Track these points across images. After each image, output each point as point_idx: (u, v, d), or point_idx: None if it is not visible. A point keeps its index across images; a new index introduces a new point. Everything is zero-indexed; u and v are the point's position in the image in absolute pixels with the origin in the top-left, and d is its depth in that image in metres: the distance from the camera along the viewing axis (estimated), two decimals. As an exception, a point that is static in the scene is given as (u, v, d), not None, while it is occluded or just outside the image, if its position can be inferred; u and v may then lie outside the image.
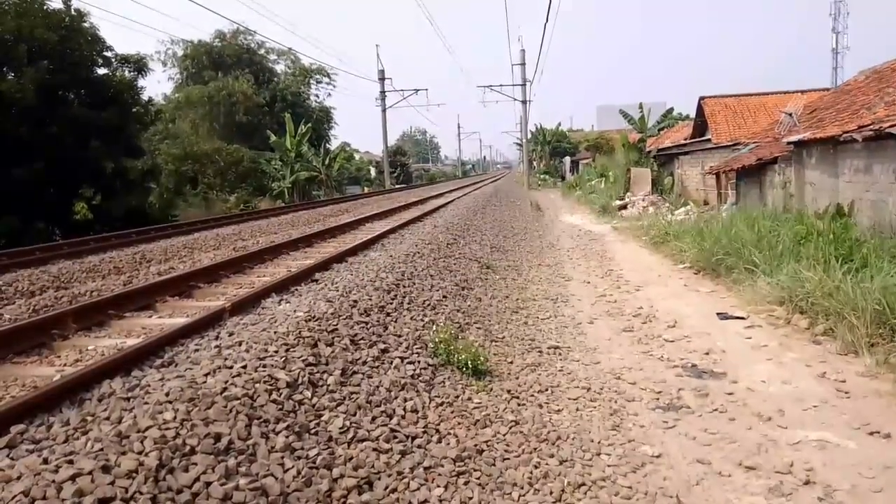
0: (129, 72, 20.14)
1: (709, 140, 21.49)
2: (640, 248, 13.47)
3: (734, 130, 21.11)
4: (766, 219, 10.62)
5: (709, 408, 4.83)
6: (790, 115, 15.45)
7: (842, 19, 59.02)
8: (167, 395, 3.37)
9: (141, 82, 20.32)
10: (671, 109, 34.03)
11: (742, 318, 7.26)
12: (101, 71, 19.39)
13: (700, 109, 23.87)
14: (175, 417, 3.11)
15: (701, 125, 24.06)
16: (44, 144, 16.39)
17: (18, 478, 2.57)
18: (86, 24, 18.58)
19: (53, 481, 2.53)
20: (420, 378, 4.70)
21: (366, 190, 46.28)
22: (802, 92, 21.60)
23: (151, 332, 5.22)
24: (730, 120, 22.17)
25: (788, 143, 12.52)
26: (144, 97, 20.74)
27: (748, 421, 4.57)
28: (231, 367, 3.83)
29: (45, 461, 2.70)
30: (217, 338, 4.75)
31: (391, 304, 6.19)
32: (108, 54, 19.54)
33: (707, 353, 6.12)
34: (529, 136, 53.69)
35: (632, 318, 7.68)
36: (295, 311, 5.35)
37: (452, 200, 22.00)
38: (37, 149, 16.25)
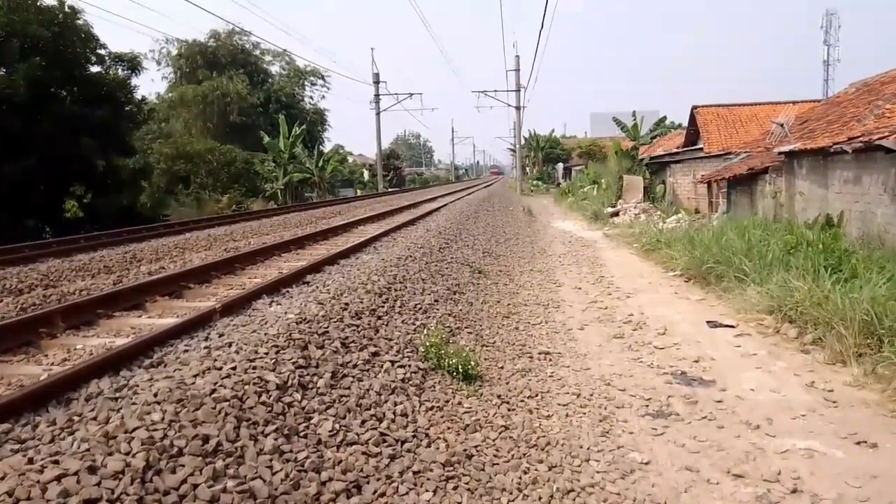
0: (123, 70, 20.06)
1: (701, 149, 21.64)
2: (632, 255, 13.53)
3: (726, 140, 21.26)
4: (757, 228, 10.68)
5: (698, 415, 4.86)
6: (781, 125, 15.60)
7: (833, 32, 59.76)
8: (155, 395, 3.35)
9: (134, 81, 20.26)
10: (664, 118, 34.19)
11: (732, 327, 7.29)
12: (95, 69, 19.30)
13: (692, 119, 24.05)
14: (163, 418, 3.09)
15: (693, 134, 24.24)
16: (35, 141, 16.27)
17: (2, 478, 2.54)
18: (79, 21, 18.49)
19: (38, 481, 2.50)
20: (410, 382, 4.70)
21: (359, 193, 46.30)
22: (794, 103, 21.78)
23: (141, 332, 5.15)
24: (722, 129, 22.34)
25: (779, 153, 12.63)
26: (137, 96, 20.66)
27: (737, 429, 4.59)
28: (220, 369, 3.81)
29: (31, 461, 2.67)
30: (207, 339, 4.72)
31: (382, 307, 6.19)
32: (102, 52, 19.46)
33: (697, 361, 6.15)
34: (523, 141, 53.80)
35: (622, 324, 7.71)
36: (286, 312, 5.34)
37: (445, 205, 22.04)
38: (28, 146, 16.13)
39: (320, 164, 33.98)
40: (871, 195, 9.10)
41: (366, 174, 60.05)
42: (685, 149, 23.77)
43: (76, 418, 3.18)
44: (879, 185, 8.88)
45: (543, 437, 4.38)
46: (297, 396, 3.79)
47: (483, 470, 3.75)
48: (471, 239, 13.20)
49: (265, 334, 4.57)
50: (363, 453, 3.49)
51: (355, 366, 4.59)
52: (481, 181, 77.35)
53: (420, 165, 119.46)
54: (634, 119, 29.42)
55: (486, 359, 5.94)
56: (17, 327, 4.96)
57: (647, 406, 5.07)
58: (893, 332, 5.53)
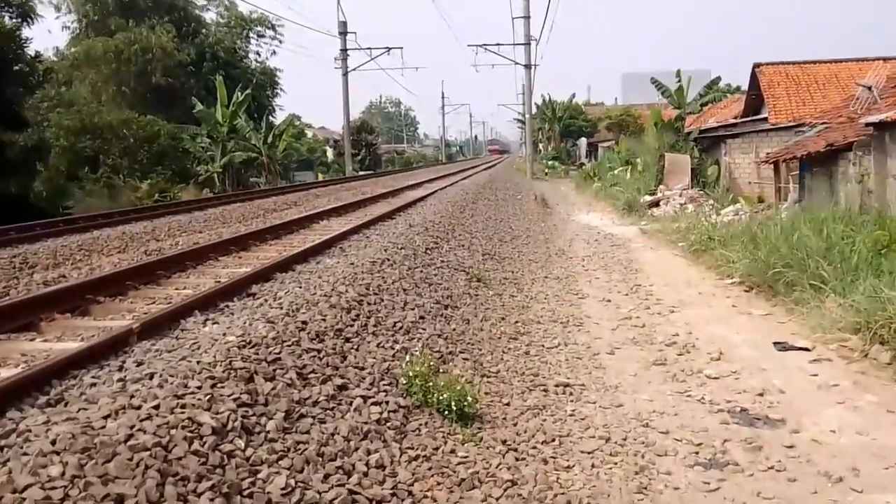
0: (11, 18, 19.93)
1: (765, 119, 21.80)
2: (676, 256, 13.62)
3: (797, 108, 21.45)
4: (838, 221, 10.77)
5: (762, 465, 4.88)
6: (869, 88, 15.71)
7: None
8: (53, 443, 3.32)
9: (26, 32, 20.14)
10: (717, 79, 34.47)
11: (806, 350, 7.33)
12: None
13: (754, 80, 24.23)
14: (63, 473, 3.06)
15: (755, 100, 24.42)
16: None
17: None
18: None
19: None
20: (388, 424, 4.73)
21: (321, 177, 46.34)
22: (885, 60, 21.96)
23: (34, 361, 5.11)
24: (792, 94, 22.52)
25: (867, 124, 12.71)
26: (30, 52, 20.54)
27: (813, 482, 4.61)
28: (139, 408, 3.80)
29: None
30: (121, 369, 4.69)
31: (352, 326, 6.21)
32: (-18, -6, 19.34)
33: (761, 395, 6.19)
34: (534, 110, 54.06)
35: (664, 347, 7.77)
36: (225, 334, 5.37)
37: (434, 192, 22.04)
38: None
39: (270, 139, 34.00)
40: None
41: (329, 153, 60.08)
42: (745, 119, 23.94)
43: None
44: None
45: (562, 494, 4.38)
46: (240, 443, 3.79)
47: (483, 540, 3.75)
48: (467, 237, 13.21)
49: (198, 363, 4.58)
50: (327, 519, 3.47)
51: (316, 403, 4.60)
52: (480, 161, 77.40)
53: (401, 141, 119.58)
54: (679, 80, 29.55)
55: (486, 393, 5.95)
56: None
57: (697, 454, 5.07)
58: None
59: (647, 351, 7.66)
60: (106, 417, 3.68)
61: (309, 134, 66.43)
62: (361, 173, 46.76)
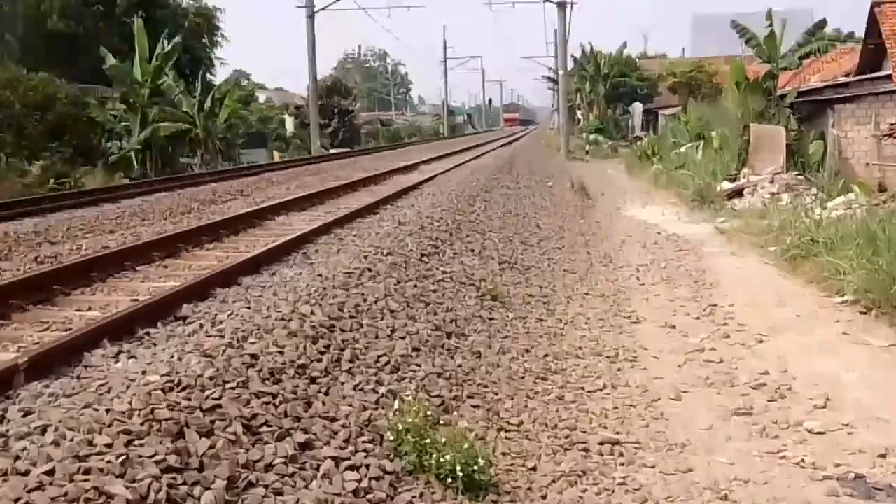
0: None
1: (889, 78, 21.68)
2: (766, 265, 13.57)
3: (933, 62, 21.31)
4: None
5: (885, 554, 4.86)
6: None
7: None
8: None
9: None
10: (822, 23, 34.22)
11: (946, 394, 7.28)
12: None
13: (873, 25, 24.11)
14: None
15: (874, 52, 24.29)
16: None
17: None
18: None
19: None
20: (370, 496, 4.70)
21: (277, 157, 46.16)
22: None
23: None
24: (927, 43, 22.39)
25: None
26: None
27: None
28: (26, 474, 3.78)
29: None
30: (2, 419, 4.67)
31: (319, 361, 6.20)
32: None
33: (883, 456, 6.15)
34: (572, 65, 54.01)
35: (750, 390, 7.73)
36: (145, 372, 5.31)
37: (433, 177, 22.00)
38: None
39: (208, 105, 33.90)
40: None
41: (289, 123, 59.87)
42: (860, 77, 23.79)
43: None
44: None
45: None
46: (166, 524, 3.75)
47: None
48: (478, 239, 13.18)
49: (107, 411, 4.54)
50: None
51: (270, 467, 4.58)
52: (496, 135, 76.99)
53: (387, 108, 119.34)
54: (770, 24, 29.38)
55: (505, 453, 5.92)
56: None
57: (796, 538, 5.06)
58: None
59: (726, 395, 7.63)
60: (-17, 486, 3.64)
61: (261, 98, 66.04)
62: (334, 151, 46.70)
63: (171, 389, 4.97)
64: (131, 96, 30.72)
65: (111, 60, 31.24)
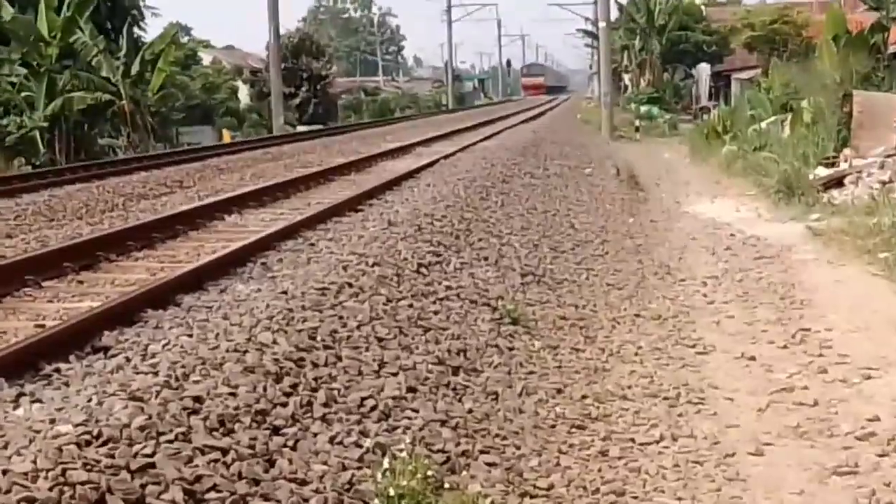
0: None
1: None
2: (875, 278, 12.74)
3: None
4: None
5: None
6: None
7: None
8: None
9: None
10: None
11: None
12: None
13: None
14: None
15: None
16: None
17: None
18: None
19: None
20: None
21: (227, 137, 44.49)
22: None
23: None
24: None
25: None
26: None
27: None
28: None
29: None
30: None
31: (284, 406, 5.85)
32: None
33: None
34: (616, 15, 52.15)
35: (854, 441, 7.01)
36: (54, 421, 5.00)
37: (433, 163, 21.47)
38: None
39: (136, 69, 32.48)
40: None
41: (244, 93, 58.77)
42: None
43: None
44: None
45: None
46: None
47: None
48: (493, 244, 12.60)
49: (3, 472, 4.24)
50: None
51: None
52: (517, 107, 72.19)
53: (373, 72, 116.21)
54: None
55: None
56: None
57: None
58: None
59: (824, 449, 6.81)
60: None
61: (206, 60, 62.58)
62: (302, 129, 45.28)
63: (89, 444, 4.72)
64: (34, 57, 29.31)
65: (9, 11, 29.25)
